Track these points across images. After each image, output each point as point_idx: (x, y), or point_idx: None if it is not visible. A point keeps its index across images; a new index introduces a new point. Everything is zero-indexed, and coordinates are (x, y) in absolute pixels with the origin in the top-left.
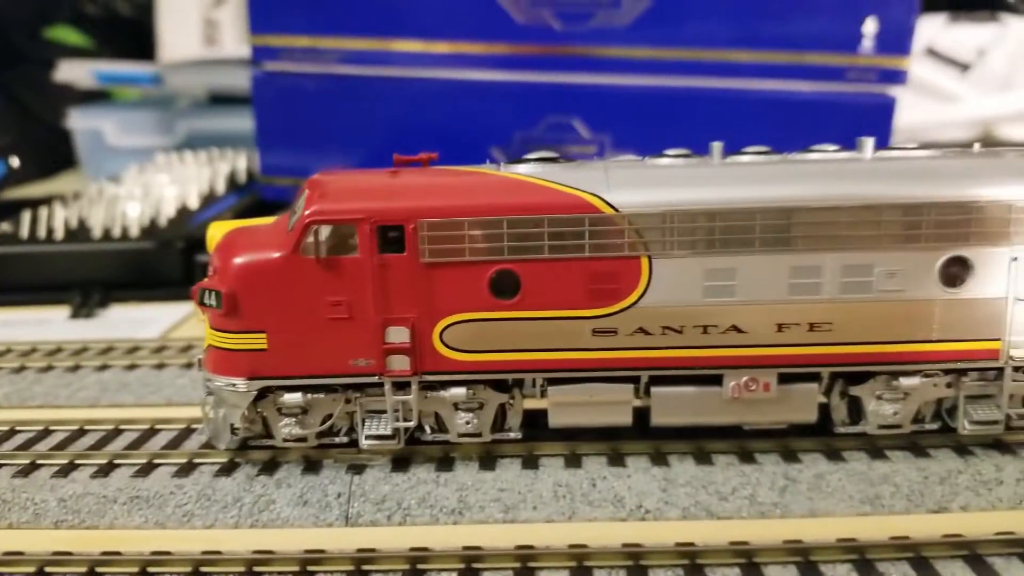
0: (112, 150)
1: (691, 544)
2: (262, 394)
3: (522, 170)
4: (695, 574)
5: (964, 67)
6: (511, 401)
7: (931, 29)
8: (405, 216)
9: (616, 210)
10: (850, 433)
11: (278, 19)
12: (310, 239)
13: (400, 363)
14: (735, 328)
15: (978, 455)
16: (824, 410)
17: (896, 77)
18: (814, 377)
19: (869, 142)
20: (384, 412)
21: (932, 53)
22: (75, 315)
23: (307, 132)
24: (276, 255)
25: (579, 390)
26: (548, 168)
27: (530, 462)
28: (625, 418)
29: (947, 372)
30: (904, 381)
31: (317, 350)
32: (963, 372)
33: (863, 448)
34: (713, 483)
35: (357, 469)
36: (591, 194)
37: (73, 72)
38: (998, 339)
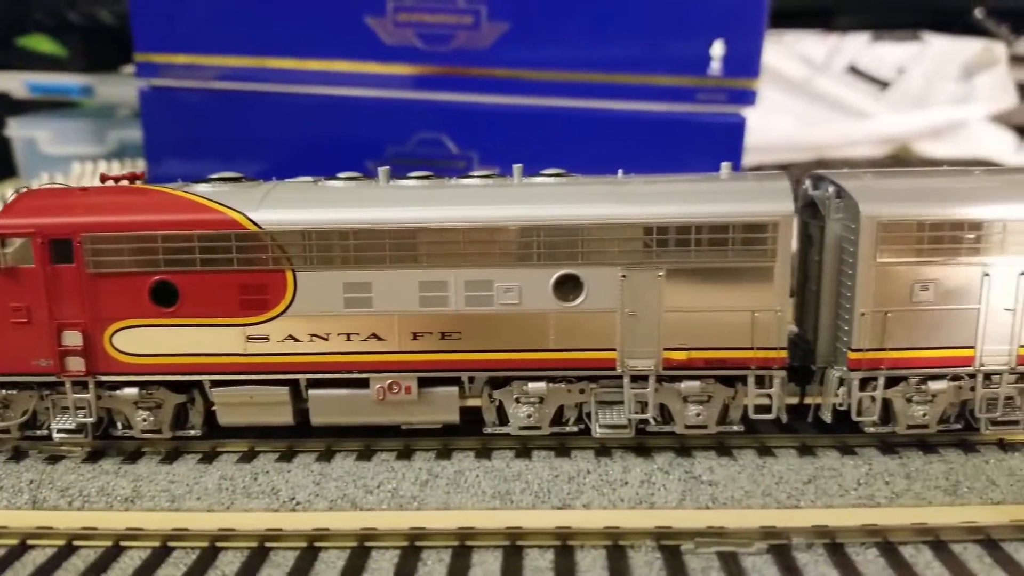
0: (46, 158)
1: (277, 529)
2: None
3: (198, 190)
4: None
5: (884, 84)
6: (191, 401)
7: (854, 47)
8: (72, 230)
9: (260, 227)
10: (499, 433)
11: (159, 38)
12: None
13: (76, 364)
14: (375, 336)
15: (613, 457)
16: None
17: (745, 97)
18: (456, 381)
19: (519, 168)
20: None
21: (854, 71)
22: None
23: (191, 145)
24: None
25: (239, 392)
26: (216, 188)
27: (209, 457)
28: (286, 418)
29: (580, 379)
30: (532, 386)
31: (5, 351)
32: (595, 379)
33: (513, 447)
34: (363, 478)
35: (54, 459)
36: (238, 212)
37: (7, 83)
38: (614, 349)
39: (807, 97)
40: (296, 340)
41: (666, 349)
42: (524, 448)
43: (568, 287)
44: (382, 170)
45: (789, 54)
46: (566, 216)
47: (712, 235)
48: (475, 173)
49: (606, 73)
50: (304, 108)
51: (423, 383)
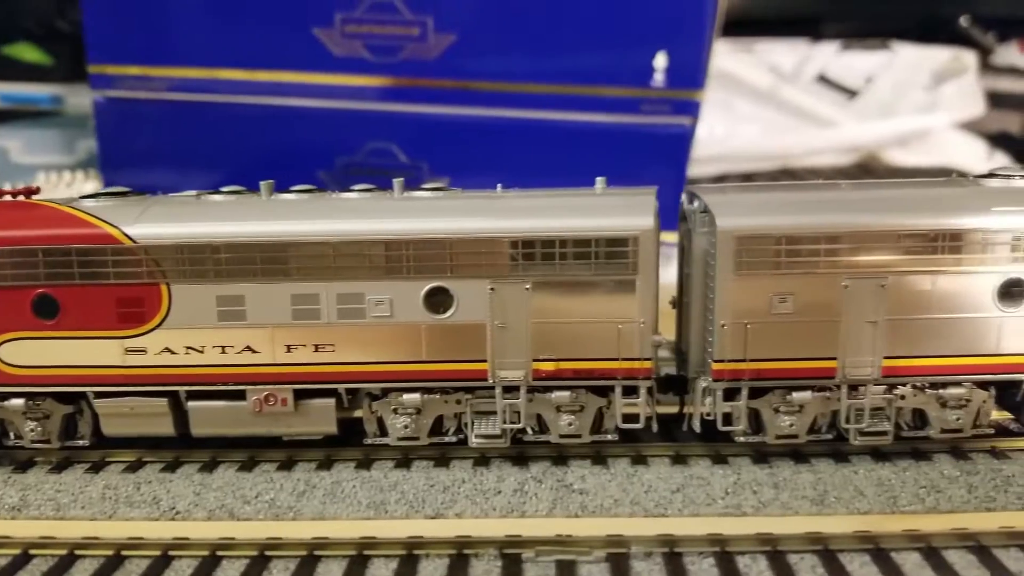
0: (17, 167)
1: (139, 538)
2: None
3: (84, 205)
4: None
5: (852, 93)
6: (80, 412)
7: (824, 56)
8: None
9: (134, 242)
10: (381, 444)
11: (112, 50)
12: None
13: None
14: (249, 348)
15: (490, 467)
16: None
17: (689, 108)
18: (333, 392)
19: (399, 182)
20: None
21: (823, 79)
22: None
23: (145, 155)
24: None
25: (121, 403)
26: (100, 203)
27: (97, 467)
28: (167, 429)
29: (456, 390)
30: (407, 397)
31: None
32: (471, 390)
33: (394, 458)
34: (242, 488)
35: None
36: (114, 226)
37: None
38: (485, 360)
39: (774, 106)
40: (173, 352)
41: (535, 360)
42: (405, 458)
43: (439, 300)
44: (264, 184)
45: (758, 63)
46: (435, 230)
47: (576, 249)
48: (356, 187)
49: (552, 84)
50: (255, 119)
51: (300, 395)
